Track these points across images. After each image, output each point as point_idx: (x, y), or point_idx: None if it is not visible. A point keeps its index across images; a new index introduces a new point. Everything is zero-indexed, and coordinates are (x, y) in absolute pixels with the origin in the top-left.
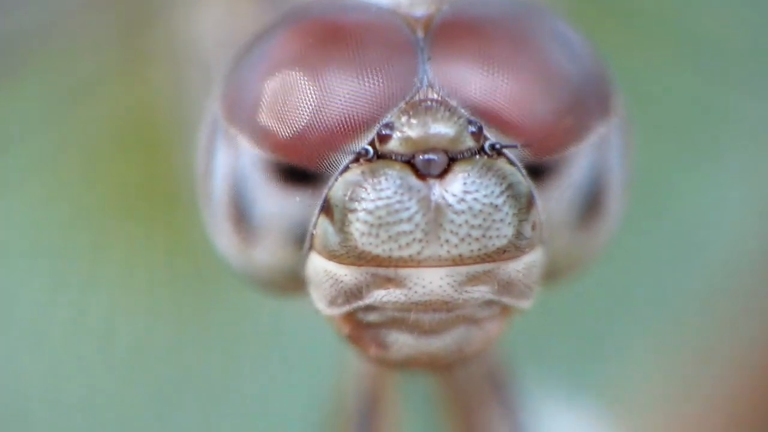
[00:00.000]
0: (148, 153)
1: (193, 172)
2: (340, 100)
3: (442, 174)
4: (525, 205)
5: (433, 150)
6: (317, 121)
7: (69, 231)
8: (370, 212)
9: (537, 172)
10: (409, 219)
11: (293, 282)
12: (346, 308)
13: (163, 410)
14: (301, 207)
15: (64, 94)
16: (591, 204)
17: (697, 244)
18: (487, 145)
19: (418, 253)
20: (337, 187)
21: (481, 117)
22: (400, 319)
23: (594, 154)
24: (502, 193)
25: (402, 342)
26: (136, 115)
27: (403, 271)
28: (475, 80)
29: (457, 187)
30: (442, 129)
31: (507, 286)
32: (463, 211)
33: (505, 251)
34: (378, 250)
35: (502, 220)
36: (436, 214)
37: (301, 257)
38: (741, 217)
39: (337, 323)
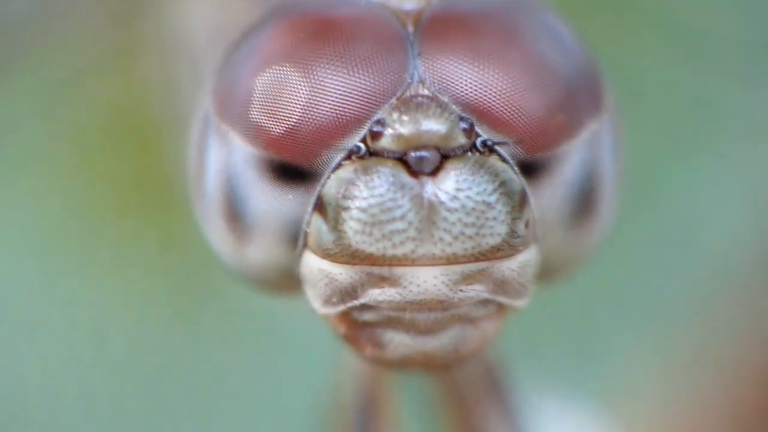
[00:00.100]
0: (141, 148)
1: (185, 168)
2: (331, 96)
3: (435, 171)
4: (518, 203)
5: (425, 147)
6: (308, 118)
7: (61, 226)
8: (363, 210)
9: (529, 169)
10: (402, 217)
11: (288, 280)
12: (341, 307)
13: (156, 407)
14: (295, 205)
15: (55, 89)
16: (584, 201)
17: (692, 243)
18: (478, 141)
19: (412, 251)
20: (330, 185)
21: (473, 113)
22: (396, 318)
23: (586, 151)
24: (494, 190)
25: (398, 341)
26: (128, 110)
27: (398, 270)
28: (466, 76)
29: (450, 185)
30: (433, 126)
31: (502, 285)
32: (456, 209)
33: (499, 249)
34: (372, 249)
35: (495, 218)
36: (429, 212)
37: (295, 255)
38: (736, 216)
39: (332, 322)
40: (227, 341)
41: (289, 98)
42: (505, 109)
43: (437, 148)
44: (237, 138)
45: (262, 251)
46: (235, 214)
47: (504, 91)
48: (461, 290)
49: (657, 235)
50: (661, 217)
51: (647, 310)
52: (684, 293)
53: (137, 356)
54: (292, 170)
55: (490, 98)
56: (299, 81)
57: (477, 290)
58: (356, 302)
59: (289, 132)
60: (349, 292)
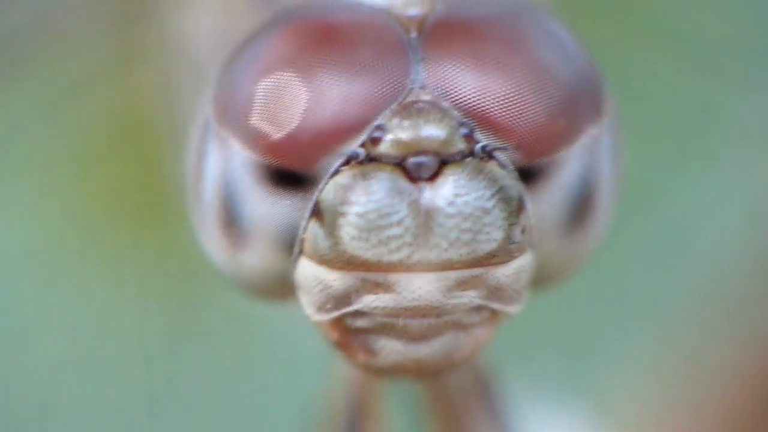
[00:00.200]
0: (140, 155)
1: (184, 174)
2: (332, 102)
3: (433, 177)
4: (515, 209)
5: (424, 152)
6: (309, 124)
7: (59, 233)
8: (360, 216)
9: (528, 174)
10: (399, 222)
11: (282, 287)
12: (335, 314)
13: (150, 414)
14: (292, 210)
15: (55, 95)
16: (581, 207)
17: (687, 248)
18: (477, 147)
19: (408, 257)
20: (328, 191)
21: (474, 119)
22: (389, 324)
23: (585, 157)
24: (492, 196)
25: (390, 348)
26: (127, 116)
27: (393, 276)
28: (467, 82)
29: (448, 191)
30: (433, 131)
31: (496, 291)
32: (453, 215)
33: (494, 255)
34: (368, 255)
35: (491, 224)
36: (426, 218)
37: (290, 262)
38: (732, 220)
39: (325, 329)
40: (221, 348)
41: (290, 104)
42: (507, 115)
43: (436, 154)
44: (236, 143)
45: (257, 257)
46: (232, 219)
47: (505, 97)
48: (455, 296)
49: (652, 239)
50: (656, 221)
51: (641, 315)
52: (678, 298)
53: (133, 363)
54: (290, 176)
55: (491, 104)
56: (301, 87)
57: (471, 296)
58: (350, 308)
59: (289, 137)
60: (343, 299)
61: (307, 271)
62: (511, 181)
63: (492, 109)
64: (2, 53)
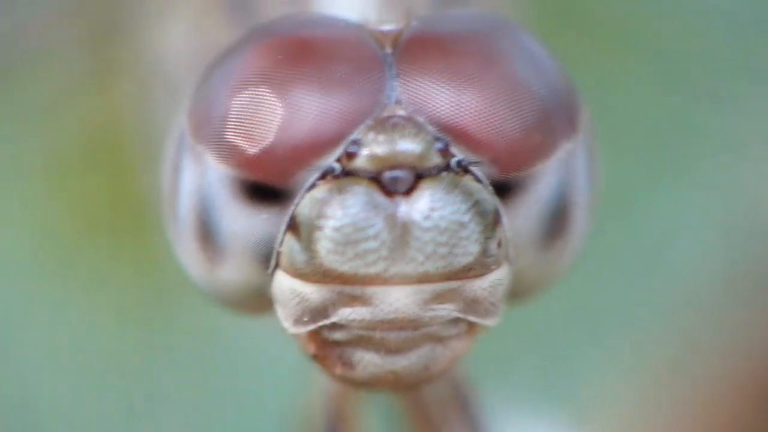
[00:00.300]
0: (115, 169)
1: (159, 189)
2: (308, 117)
3: (409, 191)
4: (491, 222)
5: (399, 167)
6: (284, 138)
7: (34, 246)
8: (336, 229)
9: (503, 189)
10: (375, 236)
11: (259, 300)
12: (312, 326)
13: (130, 425)
14: (268, 225)
15: (30, 110)
16: (557, 221)
17: (663, 260)
18: (453, 161)
19: (384, 270)
20: (304, 205)
21: (449, 133)
22: (366, 337)
23: (561, 171)
24: (468, 210)
25: (367, 361)
26: (103, 131)
27: (369, 289)
28: (442, 97)
29: (424, 205)
30: (409, 146)
31: (472, 304)
32: (429, 229)
33: (470, 269)
34: (344, 268)
35: (468, 237)
36: (402, 232)
37: (267, 276)
38: (707, 233)
39: (302, 342)
40: (199, 362)
41: (266, 118)
42: (482, 130)
43: (412, 168)
44: (212, 158)
45: (234, 271)
46: (208, 234)
47: (480, 112)
48: (432, 309)
49: (628, 251)
50: (632, 233)
51: (618, 326)
52: (655, 308)
53: (111, 376)
54: (266, 190)
55: (466, 119)
56: (276, 101)
57: (447, 309)
58: (327, 321)
59: (265, 152)
60: (320, 312)
61: (283, 284)
62: (486, 195)
63: (467, 124)
64: None
